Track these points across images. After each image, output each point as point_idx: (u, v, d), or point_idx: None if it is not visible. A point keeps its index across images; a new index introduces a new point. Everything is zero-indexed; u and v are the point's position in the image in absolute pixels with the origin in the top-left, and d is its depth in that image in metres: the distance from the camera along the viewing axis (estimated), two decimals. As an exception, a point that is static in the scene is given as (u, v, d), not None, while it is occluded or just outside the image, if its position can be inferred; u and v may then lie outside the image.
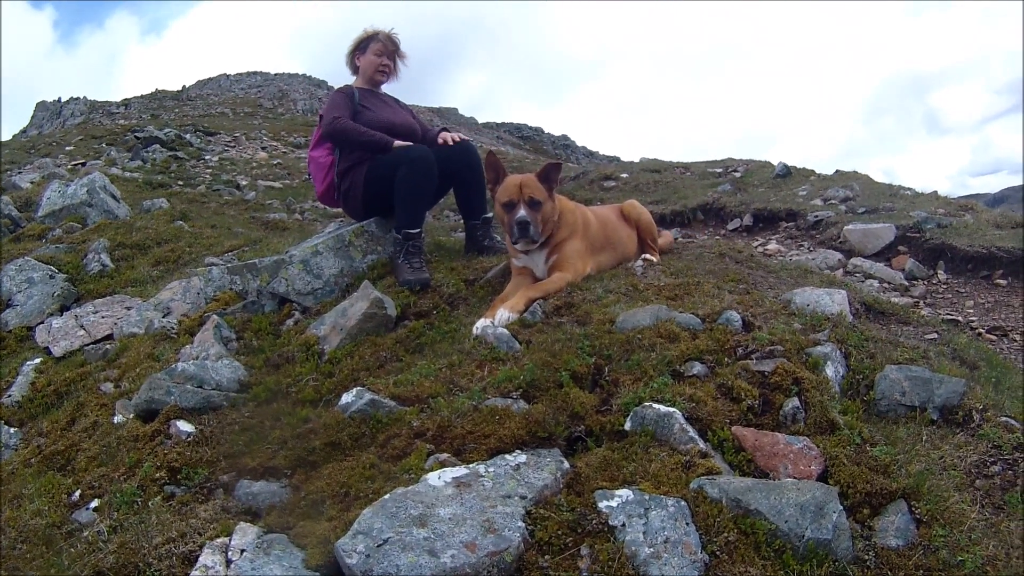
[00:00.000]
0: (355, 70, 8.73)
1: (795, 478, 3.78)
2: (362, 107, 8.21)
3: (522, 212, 6.42)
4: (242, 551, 3.69)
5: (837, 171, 16.33)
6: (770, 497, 3.49)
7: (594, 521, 3.44)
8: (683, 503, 3.49)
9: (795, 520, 3.39)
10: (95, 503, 4.87)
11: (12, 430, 6.76)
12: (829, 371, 4.73)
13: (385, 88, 8.90)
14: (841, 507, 3.51)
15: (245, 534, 3.86)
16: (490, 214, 8.19)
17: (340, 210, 9.86)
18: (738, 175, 16.83)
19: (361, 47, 8.57)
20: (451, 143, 7.95)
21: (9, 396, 7.37)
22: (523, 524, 3.43)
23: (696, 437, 4.04)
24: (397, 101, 8.94)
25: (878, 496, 3.70)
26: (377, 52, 8.47)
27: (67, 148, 30.37)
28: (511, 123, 69.63)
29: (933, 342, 6.10)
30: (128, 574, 3.85)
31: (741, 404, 4.35)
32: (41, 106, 62.72)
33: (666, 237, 8.66)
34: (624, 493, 3.56)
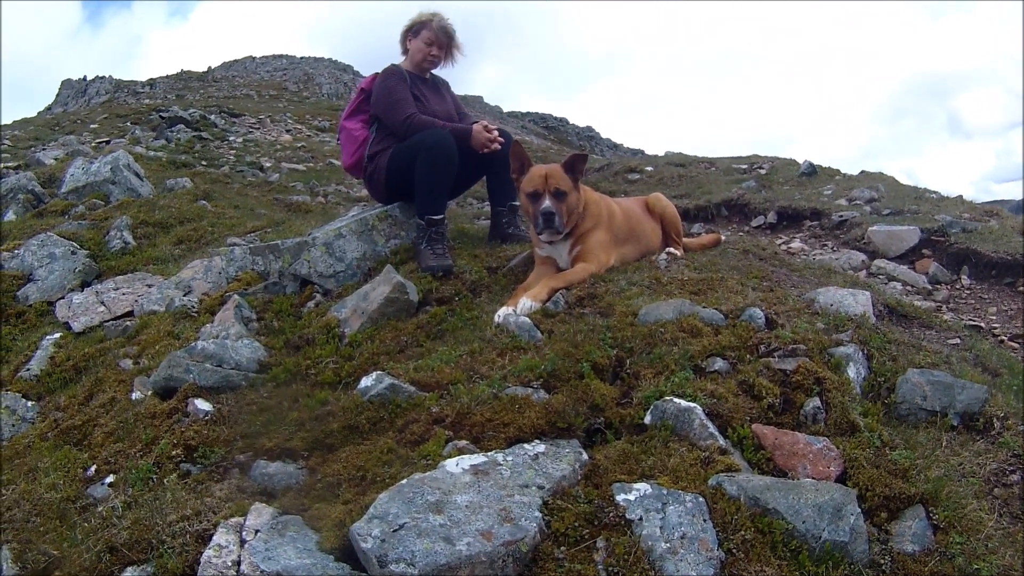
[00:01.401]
0: (404, 51, 8.65)
1: (814, 479, 3.75)
2: (415, 97, 8.16)
3: (547, 203, 6.40)
4: (256, 532, 3.68)
5: (863, 171, 16.27)
6: (788, 497, 3.46)
7: (611, 514, 3.42)
8: (701, 499, 3.47)
9: (812, 521, 3.37)
10: (110, 479, 4.88)
11: (30, 403, 6.77)
12: (851, 372, 4.71)
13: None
14: (859, 510, 3.47)
15: (260, 515, 3.85)
16: (517, 202, 8.13)
17: (364, 193, 9.82)
18: (763, 172, 16.78)
19: (414, 30, 8.47)
20: (489, 140, 7.85)
21: (28, 370, 7.39)
22: (540, 514, 3.42)
23: (716, 433, 4.02)
24: (445, 87, 8.94)
25: (896, 500, 3.67)
26: (427, 40, 8.38)
27: (91, 126, 30.43)
28: (536, 113, 69.58)
29: (955, 347, 6.07)
30: (141, 550, 3.85)
31: (762, 402, 4.33)
32: (66, 84, 62.82)
33: (712, 237, 8.61)
34: (642, 487, 3.54)
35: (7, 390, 6.97)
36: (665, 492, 3.49)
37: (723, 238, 8.60)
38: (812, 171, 16.15)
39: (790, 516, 3.38)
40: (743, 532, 3.34)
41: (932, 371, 4.78)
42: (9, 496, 5.01)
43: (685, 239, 7.98)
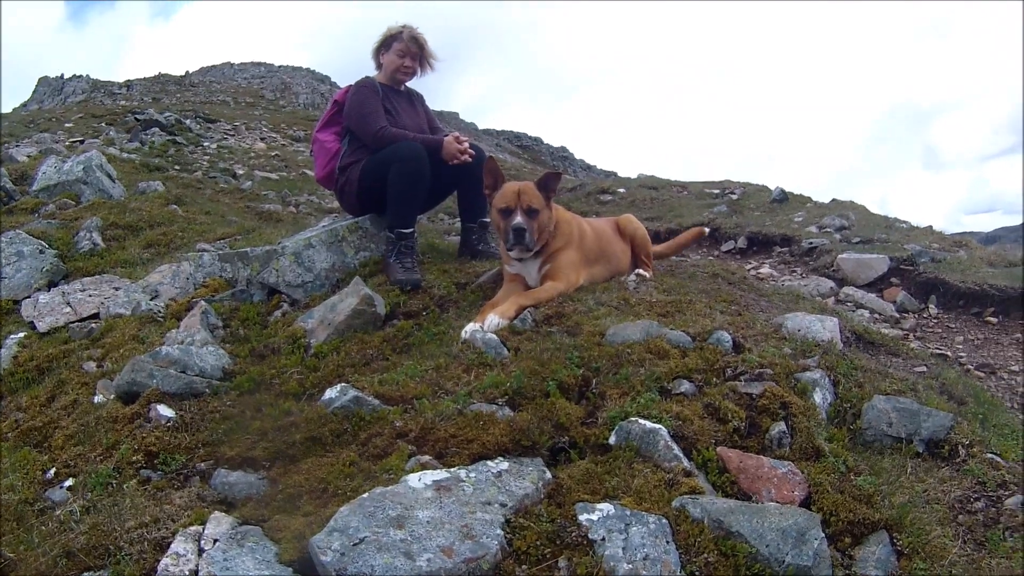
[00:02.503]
0: (378, 65, 8.65)
1: (778, 502, 3.76)
2: (387, 110, 8.16)
3: (519, 219, 6.40)
4: (215, 541, 3.67)
5: (834, 200, 16.36)
6: (752, 520, 3.46)
7: (574, 534, 3.42)
8: (664, 521, 3.47)
9: (776, 545, 3.37)
10: (69, 482, 4.84)
11: (-9, 402, 6.73)
12: (817, 397, 4.73)
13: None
14: (823, 534, 3.49)
15: (219, 524, 3.83)
16: (487, 219, 8.14)
17: (336, 205, 9.80)
18: (735, 197, 16.86)
19: (385, 44, 8.48)
20: (459, 151, 7.83)
21: (-10, 368, 7.33)
22: (502, 532, 3.42)
23: (681, 455, 4.02)
24: (419, 100, 8.95)
25: (860, 526, 3.68)
26: (400, 52, 8.39)
27: (67, 125, 30.35)
28: (511, 131, 69.70)
29: (922, 375, 6.10)
30: (99, 556, 3.83)
31: (728, 425, 4.33)
32: (43, 81, 62.62)
33: (695, 231, 8.66)
34: (605, 507, 3.54)
35: (-32, 389, 6.92)
36: (628, 513, 3.49)
37: (706, 231, 8.62)
38: (783, 198, 16.24)
39: (754, 540, 3.38)
40: (706, 555, 3.34)
41: (898, 398, 4.81)
42: (-35, 496, 4.97)
43: (666, 243, 8.03)
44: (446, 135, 7.99)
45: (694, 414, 4.34)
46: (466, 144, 7.85)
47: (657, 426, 4.11)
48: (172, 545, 3.70)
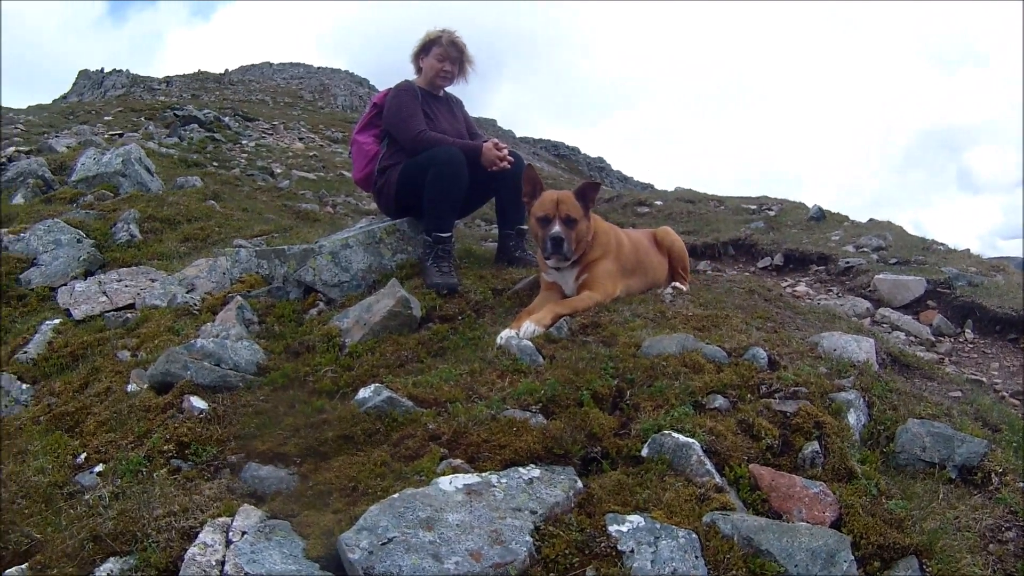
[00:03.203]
0: (417, 70, 8.63)
1: (808, 523, 3.73)
2: (425, 114, 8.16)
3: (557, 228, 6.39)
4: (243, 533, 3.67)
5: (871, 219, 16.25)
6: (782, 539, 3.44)
7: (603, 544, 3.40)
8: (694, 536, 3.45)
9: (805, 565, 3.35)
10: (100, 468, 4.90)
11: (24, 386, 6.78)
12: (851, 418, 4.69)
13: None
14: (852, 557, 3.47)
15: (248, 516, 3.83)
16: (525, 226, 8.13)
17: (373, 207, 9.81)
18: (772, 214, 16.77)
19: (425, 49, 8.47)
20: (499, 158, 7.84)
21: (25, 352, 7.39)
22: (531, 539, 3.40)
23: (713, 471, 3.99)
24: (457, 105, 8.95)
25: (890, 550, 3.64)
26: (439, 57, 8.38)
27: (106, 118, 30.49)
28: (548, 140, 69.65)
29: (956, 400, 6.04)
30: (125, 542, 3.84)
31: (761, 442, 4.30)
32: (83, 74, 62.90)
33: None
34: (635, 519, 3.52)
35: (3, 371, 6.96)
36: (658, 526, 3.47)
37: (716, 274, 8.58)
38: (821, 216, 16.14)
39: (783, 559, 3.36)
40: (735, 571, 3.33)
41: (932, 422, 4.75)
42: (-3, 475, 5.01)
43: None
44: (485, 141, 7.99)
45: (727, 430, 4.32)
46: (505, 151, 7.85)
47: (690, 440, 4.09)
48: (200, 535, 3.70)
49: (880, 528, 3.71)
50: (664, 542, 3.38)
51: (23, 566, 3.84)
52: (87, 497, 4.45)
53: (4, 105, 36.57)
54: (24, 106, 36.66)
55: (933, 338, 9.57)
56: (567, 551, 3.37)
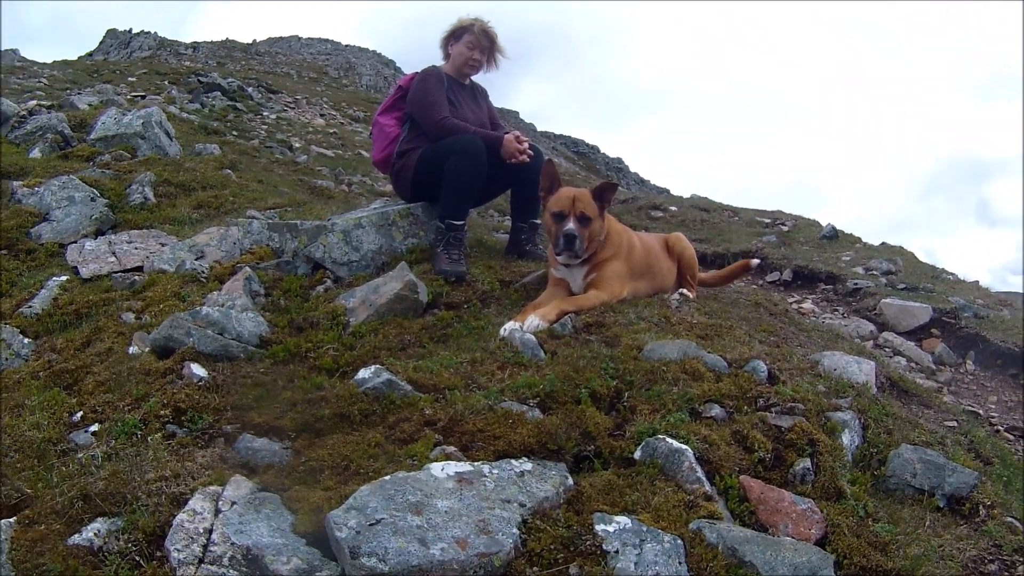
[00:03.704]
0: (446, 56, 8.63)
1: (794, 538, 3.74)
2: (450, 101, 8.16)
3: (571, 225, 6.41)
4: (233, 503, 3.69)
5: (883, 243, 16.25)
6: (766, 552, 3.45)
7: (588, 542, 3.42)
8: (679, 541, 3.46)
9: (787, 580, 3.36)
10: (95, 427, 4.89)
11: (26, 340, 6.79)
12: (845, 439, 4.70)
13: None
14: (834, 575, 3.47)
15: (239, 487, 3.85)
16: (538, 220, 8.15)
17: (388, 188, 9.81)
18: (785, 229, 16.77)
19: (455, 35, 8.46)
20: (519, 151, 7.82)
21: (29, 307, 7.39)
22: (518, 532, 3.42)
23: (703, 479, 4.01)
24: (482, 95, 8.94)
25: (873, 572, 3.65)
26: (469, 45, 8.37)
27: (130, 79, 30.51)
28: (568, 136, 69.39)
29: (951, 430, 6.05)
30: (115, 503, 3.87)
31: (753, 455, 4.31)
32: (111, 34, 62.82)
33: (742, 264, 8.59)
34: (623, 520, 3.54)
35: (6, 323, 6.98)
36: (645, 529, 3.48)
37: (752, 265, 8.53)
38: (834, 235, 16.14)
39: (765, 572, 3.37)
40: (716, 580, 3.34)
41: (926, 450, 4.77)
42: (-11, 427, 5.03)
43: (712, 272, 7.98)
44: (506, 133, 7.99)
45: (721, 439, 4.33)
46: (526, 144, 7.84)
47: (684, 447, 4.11)
48: (190, 502, 3.72)
49: (864, 550, 3.72)
50: (649, 545, 3.39)
51: (11, 519, 3.86)
52: (80, 456, 4.46)
53: (28, 58, 36.73)
54: (49, 60, 36.75)
55: (934, 366, 9.58)
56: (552, 546, 3.39)
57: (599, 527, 3.50)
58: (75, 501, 3.90)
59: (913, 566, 3.70)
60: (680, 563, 3.36)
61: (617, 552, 3.35)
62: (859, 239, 16.54)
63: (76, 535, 3.69)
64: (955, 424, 6.33)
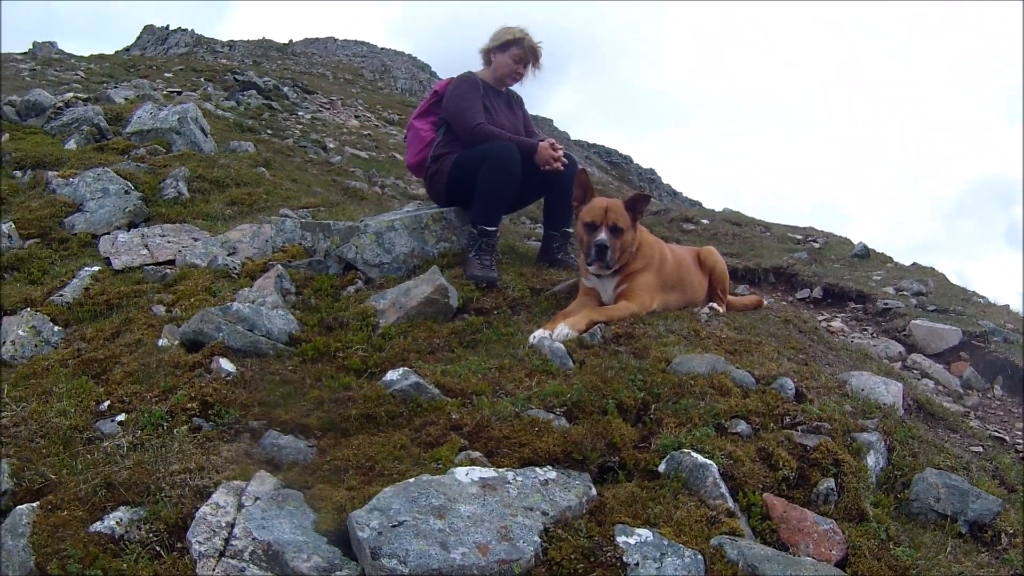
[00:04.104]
0: (487, 63, 8.59)
1: (814, 558, 3.73)
2: (485, 107, 8.15)
3: (603, 236, 6.39)
4: (256, 499, 3.72)
5: (914, 263, 16.13)
6: (786, 571, 3.44)
7: (609, 554, 3.42)
8: (700, 557, 3.45)
9: (806, 600, 3.36)
10: (121, 417, 4.93)
11: (56, 328, 6.84)
12: (870, 460, 4.67)
13: None
14: (854, 597, 3.46)
15: (263, 483, 3.87)
16: (571, 229, 8.14)
17: (421, 192, 9.81)
18: (816, 246, 16.69)
19: (502, 46, 8.39)
20: (553, 158, 7.77)
21: (60, 296, 7.44)
22: (539, 540, 3.43)
23: (727, 494, 3.99)
24: (517, 103, 8.93)
25: (891, 597, 3.64)
26: (516, 58, 8.33)
27: (166, 75, 30.65)
28: (602, 146, 69.21)
29: (977, 455, 6.01)
30: (138, 493, 3.91)
31: (777, 473, 4.29)
32: (148, 29, 63.16)
33: (754, 299, 8.57)
34: (644, 533, 3.53)
35: (36, 311, 7.02)
36: (666, 543, 3.48)
37: (765, 303, 8.55)
38: (865, 253, 16.05)
39: (784, 591, 3.37)
40: (735, 597, 3.33)
41: (950, 474, 4.73)
42: (18, 413, 5.08)
43: (729, 297, 7.94)
44: (541, 140, 7.98)
45: (746, 456, 4.31)
46: (560, 152, 7.84)
47: (708, 462, 4.10)
48: (213, 495, 3.75)
49: (884, 573, 3.71)
50: (669, 559, 3.38)
51: (34, 504, 3.89)
52: (105, 444, 4.51)
53: (66, 51, 37.00)
54: (86, 54, 36.99)
55: (961, 390, 9.52)
56: (573, 556, 3.39)
57: (620, 539, 3.49)
58: (98, 489, 3.94)
59: (932, 591, 3.69)
60: (700, 578, 3.36)
61: (637, 565, 3.35)
62: (890, 258, 16.43)
63: (98, 522, 3.73)
64: (981, 450, 6.29)
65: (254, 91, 28.13)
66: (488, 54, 8.54)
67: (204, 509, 3.64)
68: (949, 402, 8.73)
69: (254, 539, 3.42)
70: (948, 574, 3.95)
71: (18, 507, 3.87)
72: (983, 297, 13.98)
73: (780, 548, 3.79)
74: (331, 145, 22.03)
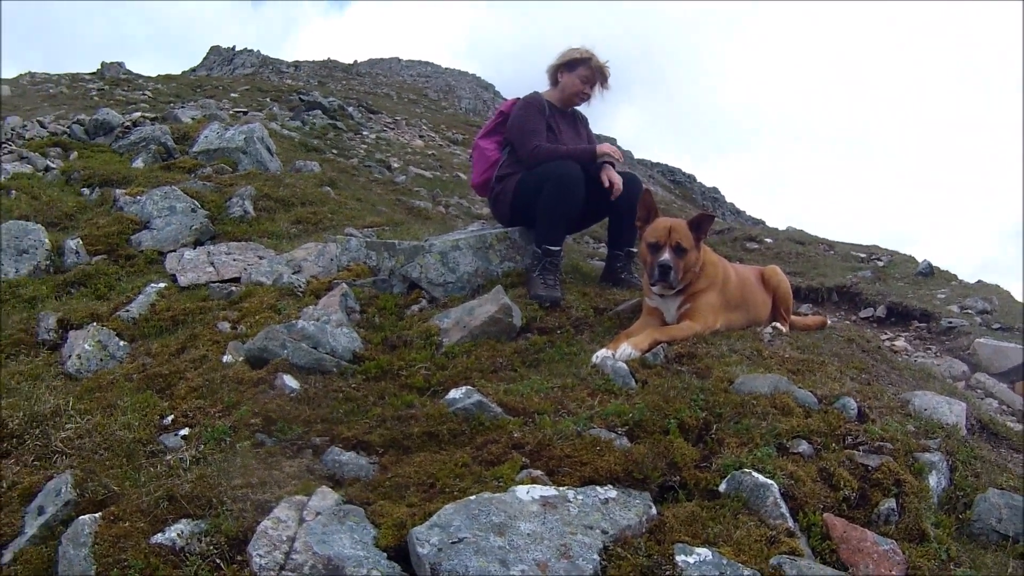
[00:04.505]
0: (554, 83, 8.60)
1: (874, 579, 3.71)
2: (549, 127, 8.17)
3: (666, 256, 6.38)
4: (317, 514, 3.76)
5: (979, 281, 15.93)
6: (846, 592, 3.43)
7: (668, 573, 3.43)
8: (759, 576, 3.44)
9: (866, 619, 3.35)
10: (185, 431, 5.01)
11: (122, 343, 6.94)
12: (932, 480, 4.62)
13: None
14: (914, 618, 3.45)
15: (324, 498, 3.91)
16: (634, 249, 8.13)
17: (485, 211, 9.84)
18: (880, 264, 16.53)
19: (569, 65, 8.40)
20: (609, 183, 7.78)
21: (127, 311, 7.55)
22: (598, 558, 3.44)
23: (787, 514, 3.98)
24: (582, 122, 8.92)
25: (952, 617, 3.61)
26: (584, 79, 8.35)
27: (232, 95, 30.97)
28: (665, 164, 69.00)
29: (1040, 476, 5.95)
30: (200, 506, 3.98)
31: (838, 493, 4.27)
32: (215, 50, 63.96)
33: (818, 320, 8.52)
34: (704, 552, 3.53)
35: (103, 325, 7.12)
36: (725, 562, 3.47)
37: (829, 323, 8.51)
38: (929, 271, 15.88)
39: (844, 610, 3.36)
40: (794, 616, 3.32)
41: (1013, 495, 4.66)
42: (82, 425, 5.18)
43: (792, 316, 7.90)
44: (604, 164, 8.00)
45: (807, 476, 4.29)
46: (619, 156, 7.91)
47: (769, 482, 4.08)
48: (275, 510, 3.80)
49: (945, 594, 3.69)
50: (729, 579, 3.39)
51: (97, 515, 3.96)
52: (168, 458, 4.59)
53: (133, 71, 37.56)
54: (153, 74, 37.47)
55: (1025, 410, 9.41)
56: (632, 574, 3.40)
57: (679, 558, 3.49)
58: (160, 501, 4.02)
59: (993, 613, 3.66)
60: (759, 597, 3.35)
61: (696, 584, 3.35)
62: (955, 276, 16.25)
63: (159, 534, 3.80)
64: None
65: (319, 111, 28.35)
66: (555, 74, 8.54)
67: (265, 523, 3.68)
68: (1012, 422, 8.62)
69: (314, 553, 3.45)
70: (1009, 596, 3.93)
71: (80, 517, 3.96)
72: (1049, 315, 13.80)
73: (840, 568, 3.77)
74: (395, 165, 22.15)
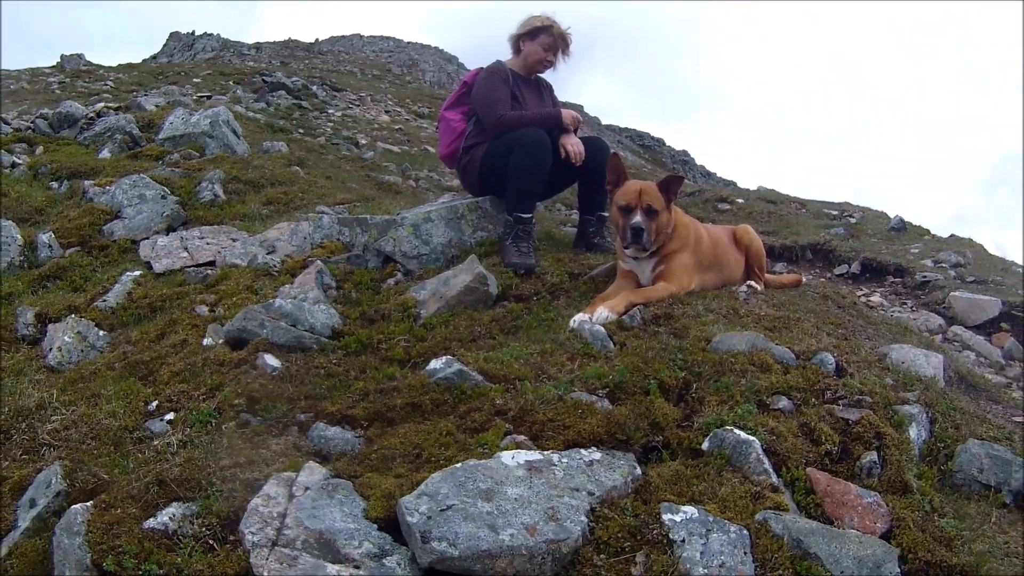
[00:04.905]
0: (516, 51, 8.62)
1: (859, 531, 3.74)
2: (514, 96, 8.18)
3: (638, 218, 6.41)
4: (306, 489, 3.78)
5: (952, 235, 15.97)
6: (831, 544, 3.47)
7: (655, 531, 3.46)
8: (745, 532, 3.49)
9: (851, 572, 3.38)
10: (170, 416, 5.00)
11: (102, 333, 6.91)
12: (912, 432, 4.66)
13: None
14: (899, 569, 3.48)
15: (312, 473, 3.94)
16: (606, 213, 8.17)
17: (455, 183, 9.85)
18: (853, 221, 16.54)
19: (531, 34, 8.41)
20: (568, 151, 7.84)
21: (104, 301, 7.52)
22: (586, 519, 3.48)
23: (770, 470, 4.03)
24: (547, 89, 8.94)
25: (936, 567, 3.63)
26: (546, 46, 8.37)
27: (195, 80, 30.81)
28: (633, 129, 68.95)
29: (1019, 426, 5.97)
30: (190, 488, 3.99)
31: (820, 447, 4.31)
32: (174, 36, 63.67)
33: (793, 277, 8.54)
34: (689, 510, 3.57)
35: (81, 317, 7.10)
36: (711, 519, 3.52)
37: (804, 280, 8.55)
38: (902, 227, 15.91)
39: (830, 564, 3.39)
40: (781, 571, 3.36)
41: (993, 445, 4.71)
42: (68, 416, 5.17)
43: (767, 275, 7.93)
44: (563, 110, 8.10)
45: (789, 431, 4.33)
46: (581, 127, 7.97)
47: (751, 438, 4.13)
48: (264, 487, 3.82)
49: (929, 544, 3.71)
50: (715, 535, 3.43)
51: (88, 503, 3.96)
52: (156, 443, 4.60)
53: (93, 62, 37.41)
54: (114, 64, 37.30)
55: (1003, 361, 9.45)
56: (620, 535, 3.44)
57: (666, 516, 3.53)
58: (150, 486, 4.02)
59: (978, 562, 3.69)
60: (745, 553, 3.39)
61: (683, 541, 3.39)
62: (927, 231, 16.28)
63: (151, 519, 3.81)
64: (1023, 420, 6.27)
65: (283, 92, 28.23)
66: (517, 42, 8.56)
67: (256, 501, 3.70)
68: (991, 373, 8.69)
69: (305, 528, 3.48)
70: (992, 544, 3.95)
71: (72, 507, 3.95)
72: (1022, 266, 13.86)
73: (825, 522, 3.81)
74: (363, 141, 22.07)
